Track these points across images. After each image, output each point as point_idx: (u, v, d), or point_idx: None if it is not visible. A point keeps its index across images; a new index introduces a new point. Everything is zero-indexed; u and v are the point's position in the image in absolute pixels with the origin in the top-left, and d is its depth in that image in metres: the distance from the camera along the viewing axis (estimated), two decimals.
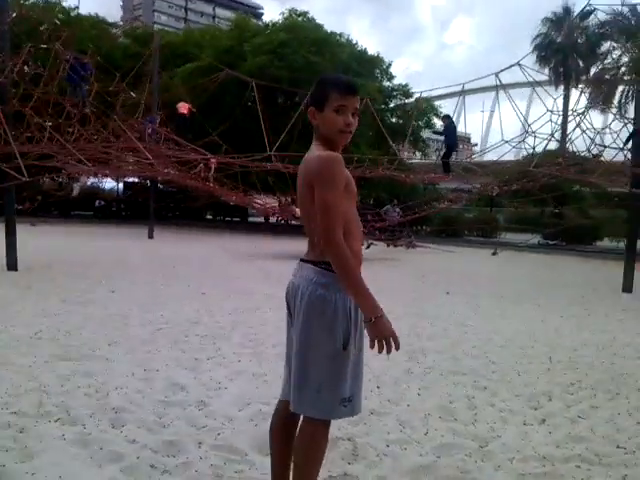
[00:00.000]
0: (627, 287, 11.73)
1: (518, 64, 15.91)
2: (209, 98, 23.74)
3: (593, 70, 41.01)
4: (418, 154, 34.13)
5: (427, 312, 8.06)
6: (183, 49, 29.77)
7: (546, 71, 43.58)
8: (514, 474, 3.13)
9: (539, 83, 19.84)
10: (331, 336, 2.21)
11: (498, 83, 16.64)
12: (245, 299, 8.55)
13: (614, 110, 34.73)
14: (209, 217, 43.15)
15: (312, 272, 2.26)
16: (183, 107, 19.07)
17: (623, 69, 35.10)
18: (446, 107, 57.21)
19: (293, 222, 25.48)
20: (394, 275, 12.92)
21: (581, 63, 42.82)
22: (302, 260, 2.37)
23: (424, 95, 29.47)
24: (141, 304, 7.63)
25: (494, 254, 20.44)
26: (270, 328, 6.59)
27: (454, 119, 16.84)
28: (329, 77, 2.33)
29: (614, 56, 39.34)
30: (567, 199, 28.38)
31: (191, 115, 19.33)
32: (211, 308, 7.65)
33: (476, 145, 72.86)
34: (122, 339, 5.75)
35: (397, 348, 2.16)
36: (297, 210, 17.35)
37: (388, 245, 21.10)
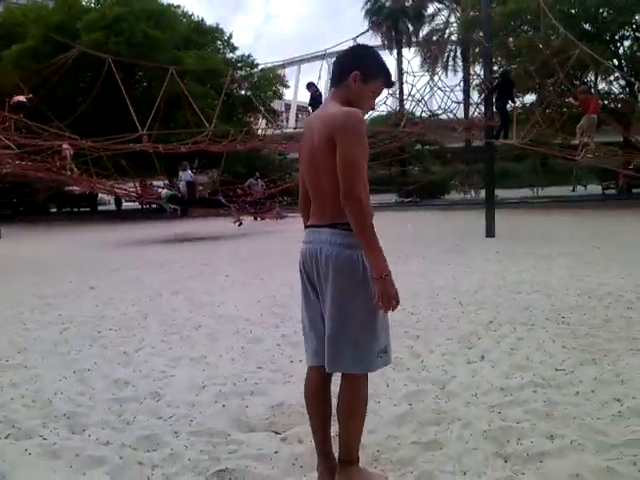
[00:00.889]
0: (490, 233, 12.85)
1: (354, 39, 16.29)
2: (43, 82, 21.88)
3: (423, 32, 43.61)
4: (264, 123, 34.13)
5: None
6: (5, 29, 27.08)
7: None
8: (485, 407, 3.40)
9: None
10: (366, 291, 2.24)
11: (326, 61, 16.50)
12: (140, 287, 8.19)
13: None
14: (54, 210, 40.27)
15: (332, 235, 2.26)
16: (19, 98, 17.35)
17: (451, 28, 37.66)
18: (292, 76, 57.41)
19: (154, 206, 24.57)
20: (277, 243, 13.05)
21: (411, 26, 45.12)
22: (314, 226, 2.35)
23: (268, 65, 29.59)
24: (31, 306, 7.03)
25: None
26: (184, 312, 6.41)
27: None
28: (382, 61, 2.36)
29: (442, 17, 42.06)
30: (411, 159, 30.19)
31: (32, 102, 17.68)
32: (109, 301, 7.24)
33: None
34: (29, 344, 5.29)
35: (396, 307, 2.25)
36: (163, 192, 16.76)
37: (255, 218, 21.15)
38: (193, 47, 30.18)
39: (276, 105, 38.30)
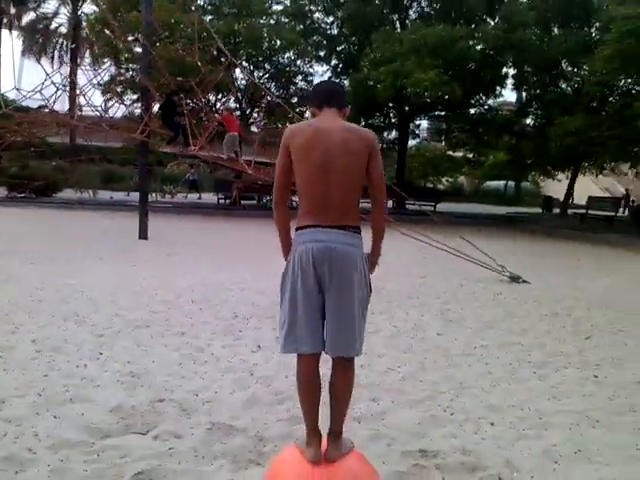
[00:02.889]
0: (143, 235, 13.04)
1: None
2: None
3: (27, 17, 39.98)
4: None
5: None
6: None
7: None
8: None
9: None
10: (367, 283, 2.63)
11: None
12: None
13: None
14: None
15: (344, 235, 2.53)
16: None
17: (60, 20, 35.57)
18: None
19: None
20: None
21: (13, 9, 40.83)
22: (319, 226, 2.52)
23: None
24: None
25: None
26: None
27: None
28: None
29: (51, 6, 39.26)
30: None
31: None
32: None
33: None
34: None
35: None
36: None
37: None
38: None
39: None
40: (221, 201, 24.33)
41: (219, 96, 22.00)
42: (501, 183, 49.38)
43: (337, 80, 26.31)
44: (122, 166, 40.23)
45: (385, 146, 26.20)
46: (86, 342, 4.82)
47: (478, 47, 19.17)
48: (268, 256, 10.22)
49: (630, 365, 4.84)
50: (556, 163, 23.05)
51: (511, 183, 48.53)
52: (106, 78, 21.01)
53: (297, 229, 2.62)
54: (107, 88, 21.36)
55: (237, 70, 22.54)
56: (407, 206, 23.69)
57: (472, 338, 5.54)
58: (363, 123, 23.66)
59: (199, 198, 27.43)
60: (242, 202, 23.60)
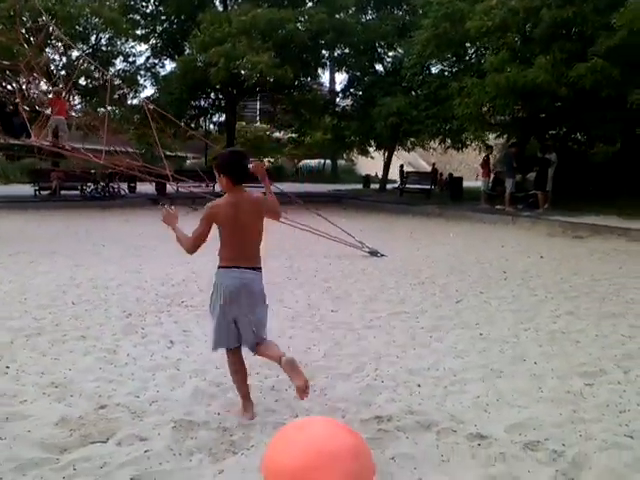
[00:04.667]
0: None
1: None
2: None
3: None
4: None
5: None
6: None
7: None
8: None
9: None
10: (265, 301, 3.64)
11: None
12: None
13: None
14: None
15: (258, 275, 3.53)
16: None
17: None
18: None
19: None
20: None
21: None
22: (248, 268, 3.47)
23: None
24: None
25: None
26: None
27: None
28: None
29: None
30: None
31: None
32: None
33: None
34: None
35: None
36: None
37: None
38: None
39: None
40: (40, 192, 22.20)
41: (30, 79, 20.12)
42: (316, 162, 51.39)
43: (157, 60, 25.45)
44: None
45: (216, 129, 26.03)
46: None
47: (303, 30, 19.72)
48: (120, 249, 9.95)
49: (501, 323, 5.62)
50: (381, 141, 24.66)
51: (327, 162, 50.58)
52: None
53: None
54: None
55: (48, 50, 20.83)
56: None
57: (363, 312, 6.00)
58: (193, 104, 23.25)
59: None
60: (62, 192, 21.92)
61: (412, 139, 24.46)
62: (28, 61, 14.09)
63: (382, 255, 9.43)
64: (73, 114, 21.84)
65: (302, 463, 2.20)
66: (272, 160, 46.86)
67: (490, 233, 13.32)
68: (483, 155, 20.10)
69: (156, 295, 6.62)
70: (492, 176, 19.68)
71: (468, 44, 18.59)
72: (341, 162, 51.30)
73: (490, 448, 3.13)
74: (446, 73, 19.86)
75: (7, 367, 4.24)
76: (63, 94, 14.98)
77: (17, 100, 13.86)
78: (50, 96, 13.94)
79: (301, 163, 51.57)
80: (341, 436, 2.31)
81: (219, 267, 3.51)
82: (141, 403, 3.65)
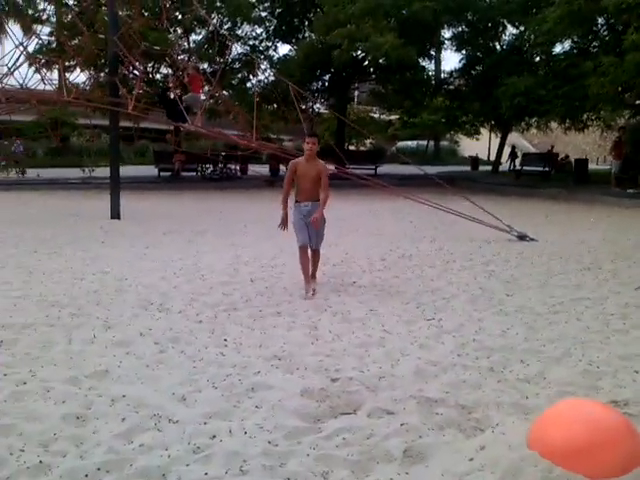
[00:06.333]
0: (115, 214, 12.52)
1: None
2: None
3: None
4: None
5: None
6: None
7: None
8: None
9: None
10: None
11: None
12: None
13: None
14: None
15: (316, 205, 5.85)
16: None
17: None
18: None
19: None
20: None
21: None
22: (311, 200, 5.89)
23: None
24: None
25: None
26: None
27: None
28: None
29: None
30: None
31: None
32: None
33: None
34: None
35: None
36: None
37: None
38: None
39: None
40: (162, 173, 23.25)
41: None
42: (413, 143, 50.01)
43: (272, 45, 25.79)
44: (34, 141, 37.62)
45: (327, 111, 26.21)
46: (202, 330, 4.74)
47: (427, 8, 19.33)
48: (262, 229, 10.24)
49: None
50: (503, 121, 23.91)
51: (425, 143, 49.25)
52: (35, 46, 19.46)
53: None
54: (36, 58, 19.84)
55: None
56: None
57: (542, 297, 5.89)
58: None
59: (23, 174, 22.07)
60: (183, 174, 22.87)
61: (536, 119, 23.49)
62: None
63: (532, 239, 9.19)
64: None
65: (587, 439, 2.23)
66: (373, 141, 46.42)
67: (632, 218, 12.67)
68: (613, 136, 19.03)
69: (324, 275, 6.79)
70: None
71: (601, 21, 17.60)
72: (443, 143, 50.07)
73: None
74: (575, 51, 18.92)
75: (224, 339, 4.52)
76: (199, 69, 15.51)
77: (171, 85, 14.54)
78: (190, 71, 14.29)
79: (399, 144, 50.68)
80: (616, 415, 2.32)
81: (295, 201, 5.96)
82: (369, 378, 3.78)
